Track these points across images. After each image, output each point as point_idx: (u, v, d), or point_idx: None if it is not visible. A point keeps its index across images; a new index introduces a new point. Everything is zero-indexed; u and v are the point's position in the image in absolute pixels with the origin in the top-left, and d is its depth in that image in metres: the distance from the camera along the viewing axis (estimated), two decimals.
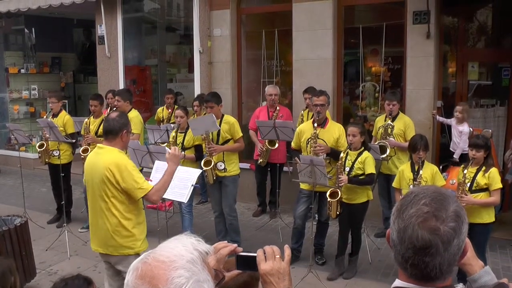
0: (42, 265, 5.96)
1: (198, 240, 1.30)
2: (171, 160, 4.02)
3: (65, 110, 11.28)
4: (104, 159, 3.87)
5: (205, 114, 7.13)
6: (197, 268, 1.22)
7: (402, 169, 5.36)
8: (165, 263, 1.20)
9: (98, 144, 4.15)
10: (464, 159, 6.57)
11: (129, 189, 3.82)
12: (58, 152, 7.22)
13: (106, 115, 6.97)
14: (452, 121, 6.82)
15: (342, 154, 5.43)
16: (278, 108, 7.24)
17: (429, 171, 5.14)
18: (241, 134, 6.08)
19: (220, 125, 5.91)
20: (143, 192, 3.84)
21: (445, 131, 7.40)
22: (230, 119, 6.06)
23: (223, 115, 6.05)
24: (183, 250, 1.24)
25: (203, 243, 1.30)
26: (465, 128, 6.63)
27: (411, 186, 5.05)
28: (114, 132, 3.91)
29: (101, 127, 6.96)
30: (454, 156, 6.62)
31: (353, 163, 5.42)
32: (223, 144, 5.99)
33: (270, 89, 7.37)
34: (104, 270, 4.22)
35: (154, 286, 1.17)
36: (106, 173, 3.79)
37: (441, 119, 6.98)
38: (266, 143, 6.96)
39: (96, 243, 4.09)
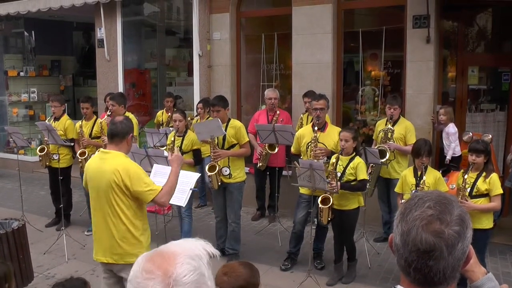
0: (40, 268, 5.94)
1: (207, 243, 1.35)
2: (175, 161, 4.01)
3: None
4: (111, 164, 3.78)
5: (209, 117, 7.10)
6: (203, 264, 1.28)
7: (405, 174, 5.32)
8: (176, 251, 1.27)
9: (102, 149, 4.04)
10: (456, 161, 6.59)
11: (139, 192, 3.75)
12: (57, 155, 7.20)
13: (102, 118, 6.99)
14: (442, 126, 6.84)
15: (333, 160, 5.40)
16: (278, 112, 7.22)
17: (432, 177, 5.10)
18: (247, 139, 5.99)
19: (226, 130, 5.81)
20: (153, 194, 3.77)
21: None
22: (236, 124, 5.96)
23: (229, 119, 5.96)
24: (193, 246, 1.31)
25: (211, 246, 1.35)
26: (450, 129, 6.65)
27: (413, 192, 5.03)
28: (121, 136, 3.86)
29: (94, 129, 6.97)
30: (447, 157, 6.59)
31: (345, 168, 5.37)
32: (228, 149, 5.90)
33: (270, 93, 7.34)
34: (103, 279, 4.07)
35: (163, 268, 1.22)
36: (114, 178, 3.71)
37: (437, 127, 6.98)
38: (266, 147, 6.93)
39: (100, 253, 3.94)
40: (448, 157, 6.59)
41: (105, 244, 3.88)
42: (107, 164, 3.80)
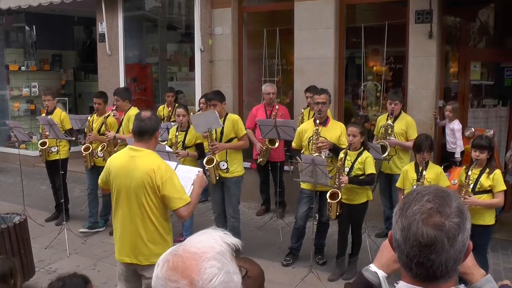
0: (41, 263, 5.93)
1: (225, 233, 1.31)
2: (198, 181, 3.89)
3: (66, 108, 11.38)
4: (144, 163, 3.62)
5: None
6: (227, 260, 1.25)
7: (406, 169, 5.32)
8: (197, 254, 1.23)
9: (130, 146, 3.83)
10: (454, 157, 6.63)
11: (168, 197, 3.60)
12: (56, 148, 7.20)
13: (109, 112, 6.94)
14: (445, 121, 6.84)
15: (341, 155, 5.40)
16: (277, 107, 7.18)
17: (433, 172, 5.08)
18: (245, 132, 5.98)
19: (223, 124, 5.81)
20: (182, 203, 3.60)
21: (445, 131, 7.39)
22: (233, 117, 5.96)
23: (226, 114, 5.95)
24: (213, 242, 1.27)
25: (230, 236, 1.31)
26: (455, 125, 6.70)
27: (414, 187, 5.01)
28: (150, 133, 3.70)
29: (104, 125, 6.91)
30: (456, 155, 6.61)
31: (353, 163, 5.39)
32: (226, 142, 5.89)
33: (268, 88, 7.32)
34: (120, 275, 3.92)
35: (188, 276, 1.19)
36: (148, 179, 3.57)
37: (439, 123, 6.98)
38: (266, 142, 6.92)
39: (125, 253, 3.78)
40: (457, 154, 6.61)
41: (131, 245, 3.74)
42: (139, 163, 3.64)
